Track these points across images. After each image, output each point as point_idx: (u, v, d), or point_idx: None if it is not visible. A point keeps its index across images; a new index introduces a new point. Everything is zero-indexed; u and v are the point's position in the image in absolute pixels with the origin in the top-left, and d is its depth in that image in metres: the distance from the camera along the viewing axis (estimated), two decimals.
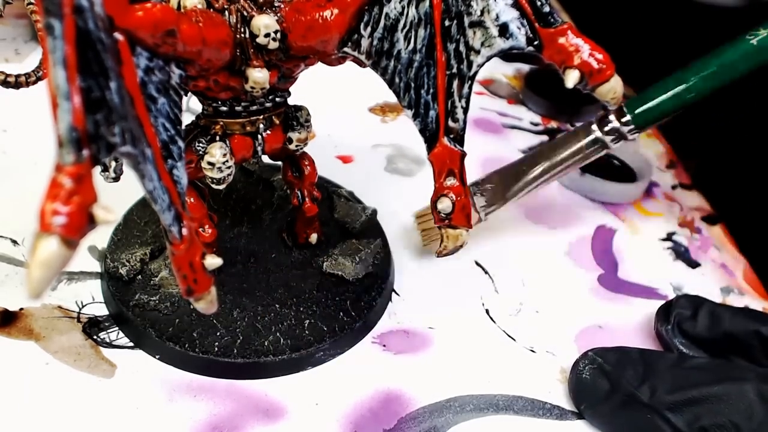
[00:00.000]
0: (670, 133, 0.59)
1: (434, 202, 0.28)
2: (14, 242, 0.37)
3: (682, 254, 0.45)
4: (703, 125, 0.58)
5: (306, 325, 0.34)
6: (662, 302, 0.37)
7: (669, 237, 0.46)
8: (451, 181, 0.28)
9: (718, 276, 0.44)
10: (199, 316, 0.33)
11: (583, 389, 0.32)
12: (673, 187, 0.52)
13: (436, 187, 0.28)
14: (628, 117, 0.38)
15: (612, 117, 0.39)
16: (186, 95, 0.26)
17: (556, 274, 0.42)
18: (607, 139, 0.39)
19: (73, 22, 0.17)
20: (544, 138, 0.54)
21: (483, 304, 0.39)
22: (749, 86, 0.44)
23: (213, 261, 0.24)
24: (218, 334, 0.33)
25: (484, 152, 0.52)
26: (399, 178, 0.47)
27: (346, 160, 0.48)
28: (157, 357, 0.33)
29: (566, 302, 0.40)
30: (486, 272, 0.41)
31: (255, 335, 0.33)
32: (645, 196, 0.50)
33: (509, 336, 0.37)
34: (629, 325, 0.39)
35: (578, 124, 0.41)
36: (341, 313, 0.35)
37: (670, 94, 0.38)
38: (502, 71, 0.63)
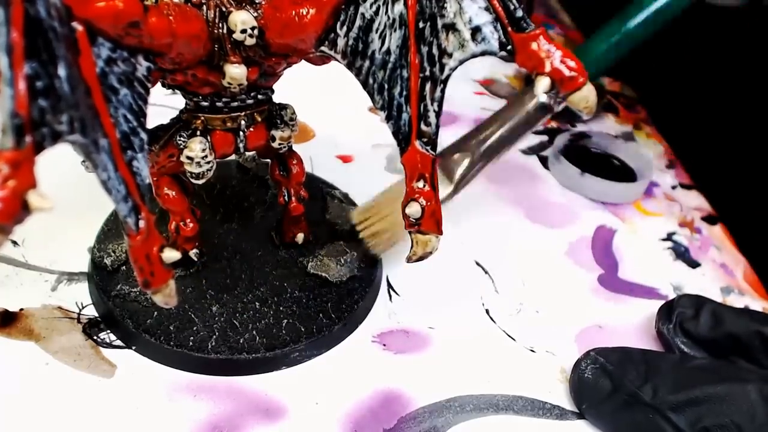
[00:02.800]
0: (670, 133, 0.59)
1: (404, 206, 0.28)
2: (14, 243, 0.37)
3: (682, 254, 0.45)
4: (703, 125, 0.58)
5: (284, 324, 0.34)
6: (662, 302, 0.37)
7: (669, 237, 0.46)
8: (421, 186, 0.28)
9: (718, 276, 0.44)
10: (177, 310, 0.33)
11: (585, 389, 0.32)
12: (673, 187, 0.52)
13: (407, 191, 0.28)
14: None
15: None
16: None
17: (556, 274, 0.42)
18: (552, 101, 0.39)
19: (21, 9, 0.17)
20: (544, 138, 0.54)
21: (483, 304, 0.39)
22: (750, 86, 0.44)
23: (170, 254, 0.24)
24: (194, 328, 0.33)
25: None
26: (399, 178, 0.47)
27: (346, 159, 0.48)
28: (134, 348, 0.33)
29: (566, 302, 0.40)
30: (486, 272, 0.41)
31: (231, 332, 0.33)
32: (645, 196, 0.50)
33: (509, 336, 0.37)
34: (629, 325, 0.39)
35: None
36: (321, 315, 0.35)
37: (607, 45, 0.38)
38: (502, 71, 0.63)
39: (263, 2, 0.28)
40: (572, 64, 0.25)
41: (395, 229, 0.36)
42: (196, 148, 0.30)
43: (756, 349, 0.33)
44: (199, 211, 0.35)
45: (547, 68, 0.25)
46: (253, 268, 0.37)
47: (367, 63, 0.27)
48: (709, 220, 0.49)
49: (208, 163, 0.31)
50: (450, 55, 0.26)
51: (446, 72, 0.26)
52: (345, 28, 0.27)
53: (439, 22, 0.25)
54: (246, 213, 0.40)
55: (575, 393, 0.33)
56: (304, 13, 0.27)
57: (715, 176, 0.54)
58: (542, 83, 0.25)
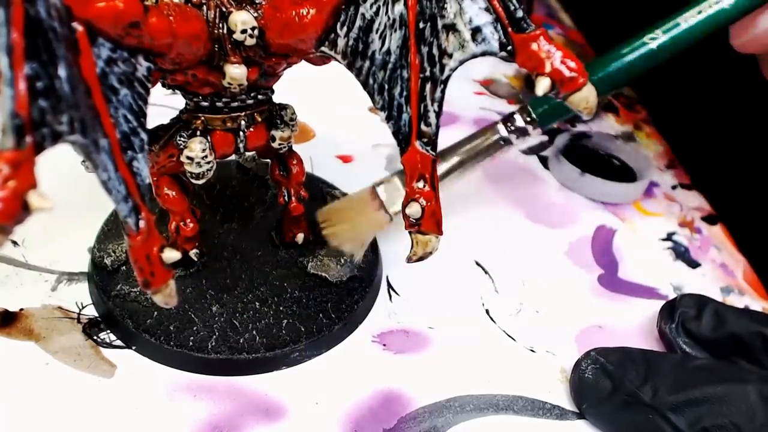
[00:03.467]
0: (670, 133, 0.59)
1: (404, 206, 0.28)
2: (14, 243, 0.37)
3: (682, 254, 0.45)
4: (703, 125, 0.58)
5: (284, 324, 0.34)
6: (662, 302, 0.37)
7: (669, 237, 0.46)
8: (421, 186, 0.28)
9: (718, 276, 0.44)
10: (177, 310, 0.33)
11: (586, 389, 0.32)
12: (673, 187, 0.52)
13: (407, 191, 0.28)
14: (533, 116, 0.40)
15: (517, 116, 0.41)
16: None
17: (556, 274, 0.42)
18: (512, 137, 0.41)
19: (21, 9, 0.17)
20: (544, 138, 0.54)
21: (483, 304, 0.39)
22: (749, 86, 0.44)
23: (171, 254, 0.24)
24: (194, 328, 0.33)
25: None
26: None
27: (346, 159, 0.48)
28: (134, 348, 0.33)
29: (566, 302, 0.40)
30: (486, 272, 0.41)
31: (231, 332, 0.33)
32: (645, 196, 0.50)
33: (509, 336, 0.37)
34: (629, 325, 0.39)
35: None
36: (321, 315, 0.35)
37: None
38: (502, 71, 0.63)
39: (263, 2, 0.28)
40: (572, 64, 0.25)
41: (358, 229, 0.38)
42: (196, 148, 0.30)
43: (758, 350, 0.33)
44: (199, 211, 0.35)
45: (548, 69, 0.24)
46: (253, 268, 0.37)
47: (367, 63, 0.27)
48: (709, 220, 0.49)
49: (208, 163, 0.31)
50: (450, 56, 0.26)
51: (446, 72, 0.26)
52: (345, 28, 0.27)
53: (440, 23, 0.25)
54: (246, 213, 0.40)
55: (575, 393, 0.33)
56: (304, 13, 0.27)
57: (715, 176, 0.54)
58: (543, 84, 0.25)
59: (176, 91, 0.31)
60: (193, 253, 0.35)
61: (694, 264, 0.45)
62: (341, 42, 0.27)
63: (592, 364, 0.32)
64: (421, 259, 0.29)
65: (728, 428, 0.28)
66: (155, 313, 0.33)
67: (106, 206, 0.38)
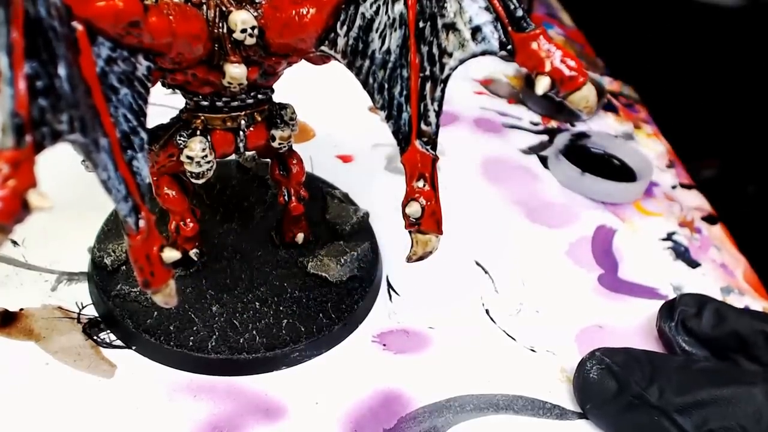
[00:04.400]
0: (671, 133, 0.59)
1: (404, 206, 0.28)
2: (14, 243, 0.37)
3: (682, 254, 0.45)
4: (704, 125, 0.59)
5: (284, 324, 0.34)
6: (662, 302, 0.37)
7: (669, 237, 0.46)
8: (421, 185, 0.28)
9: (718, 276, 0.44)
10: (177, 310, 0.33)
11: (590, 389, 0.32)
12: (673, 187, 0.52)
13: (407, 190, 0.28)
14: None
15: None
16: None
17: (556, 274, 0.42)
18: None
19: (21, 9, 0.17)
20: (544, 138, 0.54)
21: (483, 304, 0.39)
22: (750, 86, 0.44)
23: (171, 254, 0.24)
24: (195, 328, 0.33)
25: (484, 152, 0.52)
26: (399, 178, 0.47)
27: (346, 159, 0.48)
28: (134, 348, 0.33)
29: (566, 302, 0.40)
30: (486, 272, 0.41)
31: (232, 332, 0.33)
32: (645, 196, 0.50)
33: (509, 336, 0.37)
34: (629, 324, 0.39)
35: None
36: (321, 315, 0.35)
37: None
38: (502, 71, 0.63)
39: (263, 2, 0.28)
40: (572, 63, 0.25)
41: None
42: (196, 147, 0.30)
43: (759, 347, 0.33)
44: (199, 211, 0.35)
45: (547, 68, 0.25)
46: (253, 268, 0.37)
47: (367, 62, 0.27)
48: (709, 220, 0.49)
49: (208, 162, 0.31)
50: (450, 55, 0.26)
51: (446, 71, 0.26)
52: (345, 27, 0.27)
53: (440, 22, 0.25)
54: (246, 213, 0.40)
55: (579, 393, 0.33)
56: (304, 12, 0.27)
57: (715, 175, 0.54)
58: (542, 83, 0.25)
59: (176, 90, 0.31)
60: (193, 253, 0.35)
61: (694, 264, 0.45)
62: (341, 41, 0.27)
63: (597, 365, 0.32)
64: (421, 258, 0.29)
65: (735, 430, 0.28)
66: (155, 313, 0.33)
67: (106, 206, 0.38)
